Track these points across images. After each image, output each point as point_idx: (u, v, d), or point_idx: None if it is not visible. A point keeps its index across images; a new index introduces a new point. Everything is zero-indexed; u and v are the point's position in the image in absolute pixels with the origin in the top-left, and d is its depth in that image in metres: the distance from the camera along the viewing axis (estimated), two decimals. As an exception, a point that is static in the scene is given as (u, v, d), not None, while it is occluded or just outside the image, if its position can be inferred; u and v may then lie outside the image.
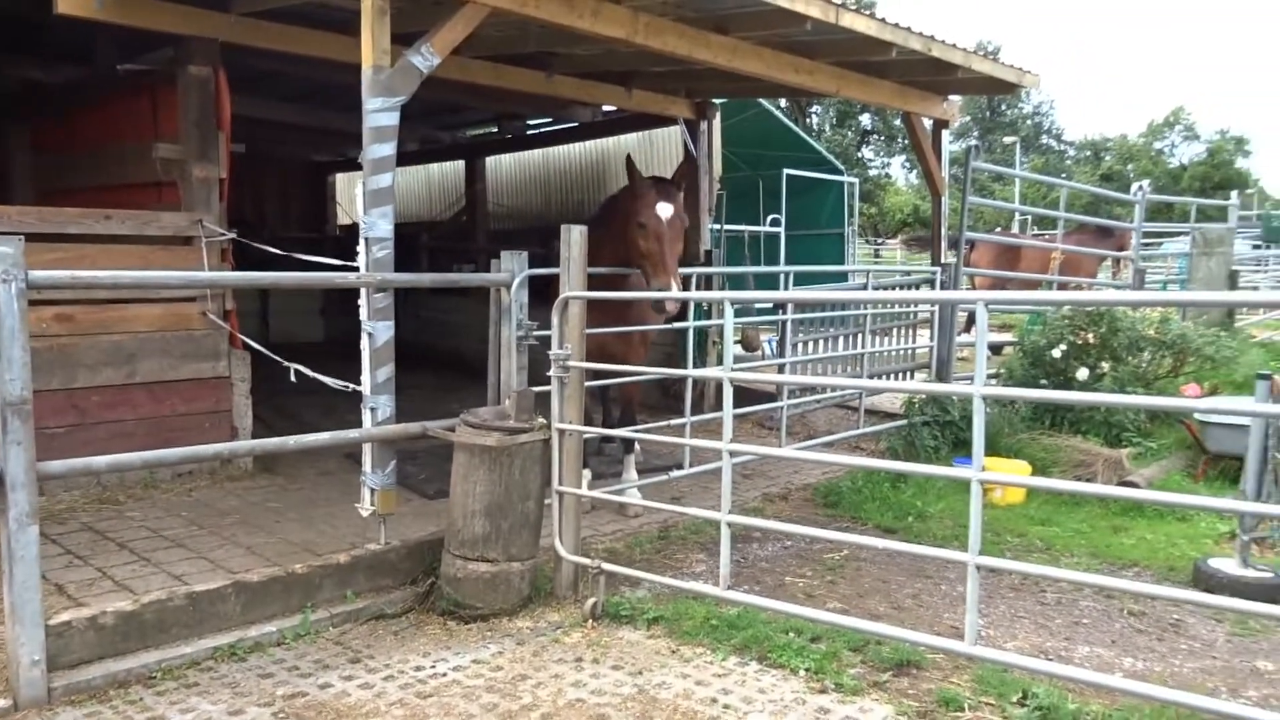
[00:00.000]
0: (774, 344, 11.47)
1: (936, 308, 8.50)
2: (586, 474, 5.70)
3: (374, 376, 4.71)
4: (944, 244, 9.11)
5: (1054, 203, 19.96)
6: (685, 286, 7.21)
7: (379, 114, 4.67)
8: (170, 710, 3.62)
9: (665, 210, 5.59)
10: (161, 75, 6.75)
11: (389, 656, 4.11)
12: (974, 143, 29.58)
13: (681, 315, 7.27)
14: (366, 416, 4.74)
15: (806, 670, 3.97)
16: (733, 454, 4.18)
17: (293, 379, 5.15)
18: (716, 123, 10.02)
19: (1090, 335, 8.15)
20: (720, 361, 9.33)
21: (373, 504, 4.75)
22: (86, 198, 6.92)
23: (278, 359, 5.43)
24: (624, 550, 5.52)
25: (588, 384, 5.10)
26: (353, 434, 4.64)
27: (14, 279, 3.57)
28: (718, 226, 11.82)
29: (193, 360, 6.58)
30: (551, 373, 4.68)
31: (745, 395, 9.36)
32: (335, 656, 4.10)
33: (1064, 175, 51.61)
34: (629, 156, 6.16)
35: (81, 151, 7.77)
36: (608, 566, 4.59)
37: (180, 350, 6.52)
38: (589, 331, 4.85)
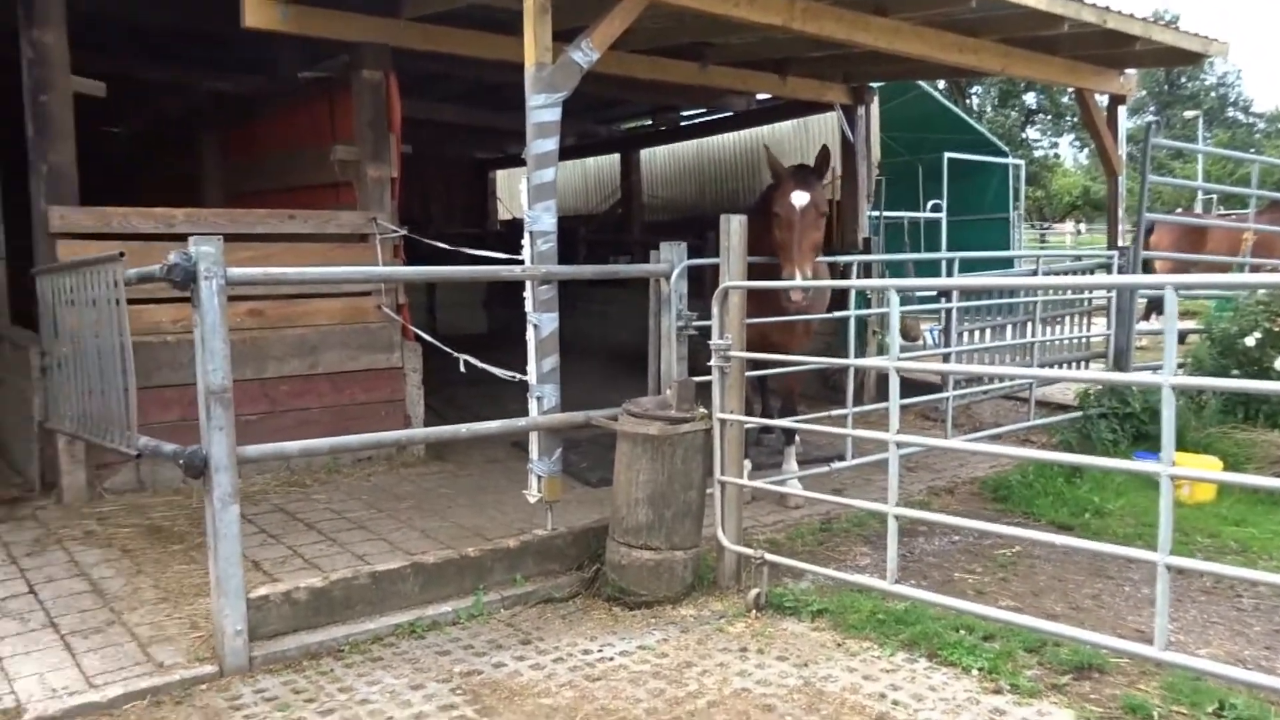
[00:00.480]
0: (936, 333, 11.13)
1: (1114, 294, 8.05)
2: (747, 464, 5.70)
3: (539, 366, 4.81)
4: (1120, 226, 8.61)
5: (1243, 179, 18.57)
6: (839, 275, 7.10)
7: (541, 110, 4.77)
8: (358, 682, 3.82)
9: (799, 199, 5.49)
10: (337, 81, 7.10)
11: (558, 639, 4.20)
12: (1152, 118, 27.83)
13: (841, 304, 7.15)
14: (533, 405, 4.84)
15: (980, 670, 3.84)
16: (899, 445, 4.06)
17: (462, 369, 5.30)
18: (874, 107, 9.79)
19: (1289, 321, 7.55)
20: (881, 351, 9.30)
21: (539, 491, 4.86)
22: (271, 200, 7.35)
23: (448, 349, 5.62)
24: (785, 541, 5.47)
25: (748, 374, 5.06)
26: (520, 422, 4.76)
27: (215, 276, 3.82)
28: (877, 213, 11.56)
29: (369, 351, 6.88)
30: (712, 362, 4.68)
31: (908, 386, 9.13)
32: (507, 637, 4.23)
33: (1253, 150, 47.92)
34: (766, 147, 6.06)
35: (266, 156, 8.26)
36: (771, 557, 4.56)
37: (358, 342, 6.84)
38: (750, 321, 4.82)
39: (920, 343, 11.21)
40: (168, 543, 5.23)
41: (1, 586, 4.65)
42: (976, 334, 7.81)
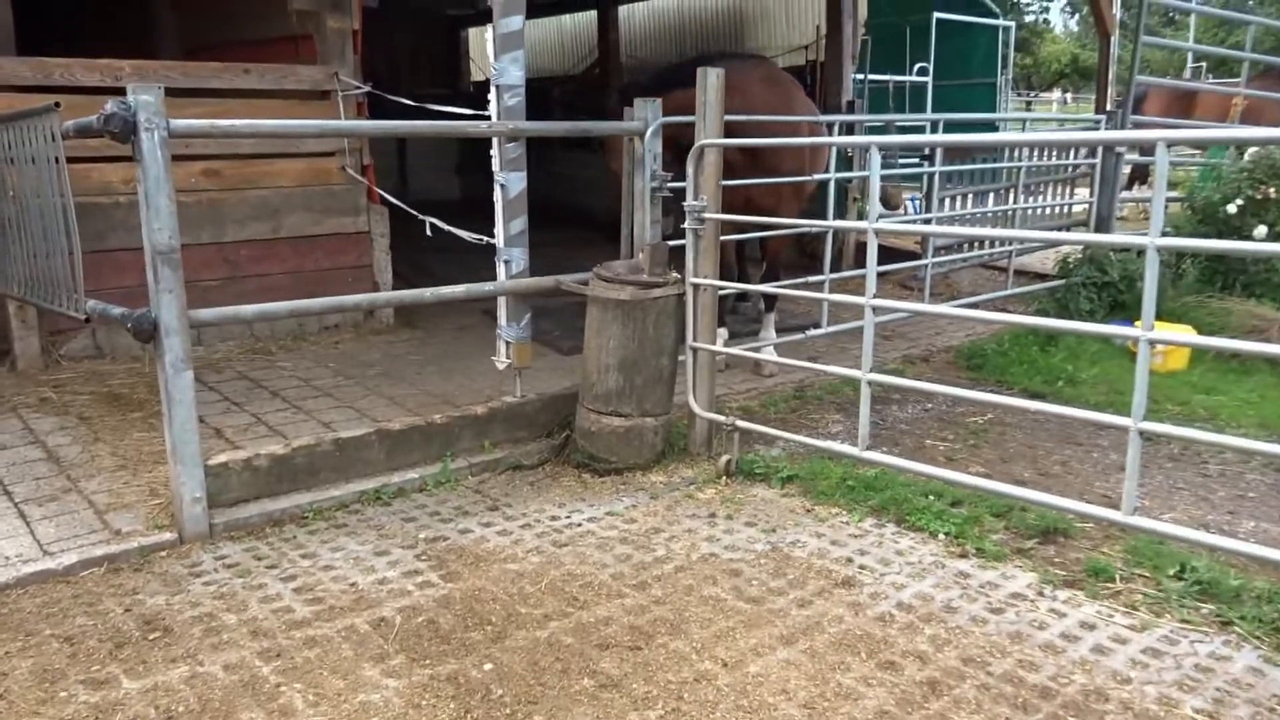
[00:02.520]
0: (917, 202, 10.92)
1: (1098, 160, 7.84)
2: (722, 332, 5.59)
3: (507, 229, 4.64)
4: (1110, 90, 8.33)
5: (1237, 45, 18.09)
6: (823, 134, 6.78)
7: (507, -48, 4.44)
8: (321, 548, 3.76)
9: None
10: (293, -75, 6.62)
11: (525, 506, 4.16)
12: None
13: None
14: (500, 269, 4.70)
15: (946, 534, 3.84)
16: (876, 311, 3.94)
17: (428, 233, 5.10)
18: (863, -38, 9.30)
19: (1272, 190, 7.38)
20: (861, 218, 9.02)
21: (508, 357, 4.76)
22: (227, 55, 6.95)
23: (414, 212, 5.40)
24: (758, 409, 5.43)
25: (726, 239, 4.89)
26: (487, 286, 4.61)
27: (156, 127, 3.58)
28: (861, 76, 11.16)
29: (334, 215, 6.68)
30: (686, 225, 4.51)
31: (886, 255, 8.83)
32: (474, 504, 4.18)
33: (1249, 11, 46.72)
34: None
35: (221, 8, 7.79)
36: (742, 424, 4.50)
37: (321, 205, 6.62)
38: (737, 183, 4.63)
39: (902, 211, 10.98)
40: (126, 410, 5.10)
41: (-45, 453, 4.52)
42: (958, 201, 7.61)
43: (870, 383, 3.97)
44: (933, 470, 3.90)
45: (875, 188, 3.94)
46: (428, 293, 4.46)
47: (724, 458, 4.47)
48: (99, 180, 5.82)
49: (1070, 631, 3.13)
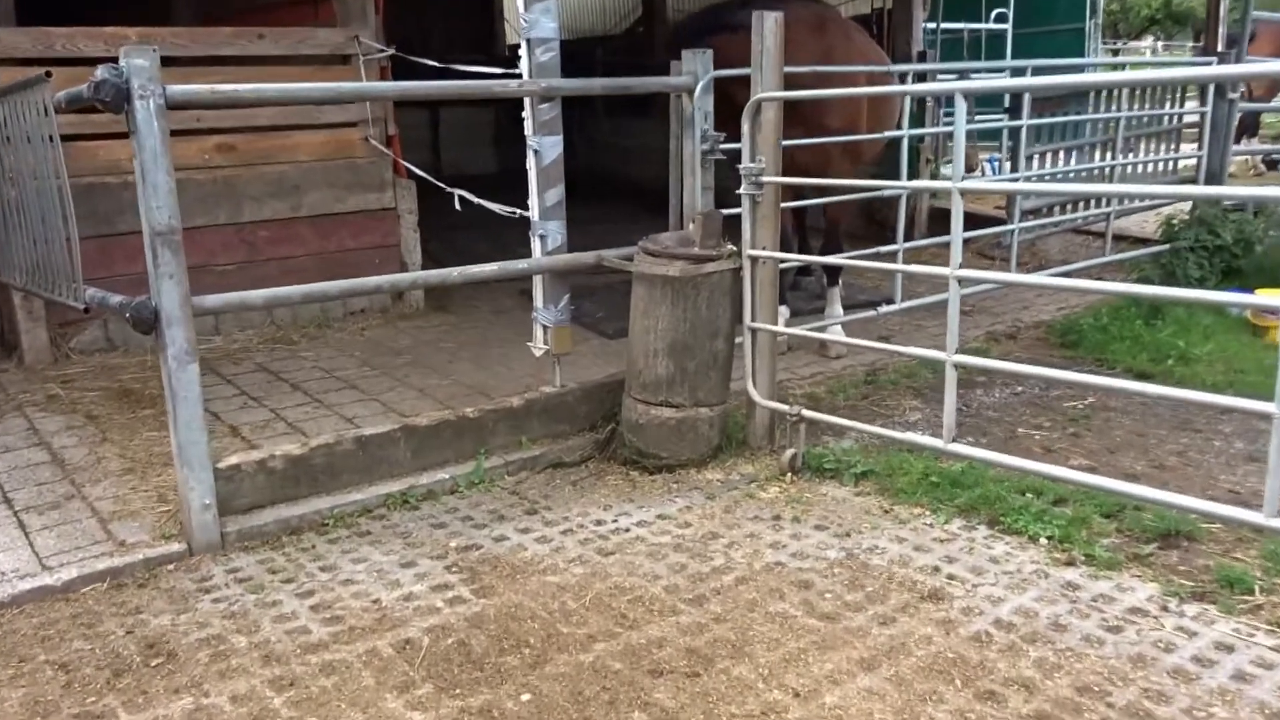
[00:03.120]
0: (995, 163, 10.53)
1: (1209, 109, 7.40)
2: (783, 311, 5.38)
3: (542, 200, 4.45)
4: (1222, 30, 7.87)
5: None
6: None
7: (537, -111, 4.22)
8: (342, 559, 3.61)
9: None
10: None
11: (567, 508, 3.99)
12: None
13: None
14: (536, 245, 4.52)
15: (1049, 538, 3.57)
16: (962, 282, 3.66)
17: (457, 206, 4.93)
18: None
19: None
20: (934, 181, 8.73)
21: (546, 343, 4.58)
22: (246, 20, 6.84)
23: (440, 185, 5.27)
24: (825, 396, 5.20)
25: (784, 206, 4.66)
26: (521, 264, 4.43)
27: (151, 94, 3.43)
28: (932, 25, 10.82)
29: (358, 191, 6.55)
30: (742, 190, 4.28)
31: (966, 220, 8.77)
32: (510, 507, 4.01)
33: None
34: None
35: (236, -30, 7.70)
36: (808, 414, 4.27)
37: (344, 180, 6.50)
38: (788, 144, 4.39)
39: (978, 174, 10.60)
40: (137, 407, 5.01)
41: (-46, 457, 4.45)
42: (1047, 158, 7.25)
43: (956, 365, 3.68)
44: (1030, 465, 3.63)
45: (960, 141, 3.66)
46: (454, 272, 4.29)
47: (788, 452, 4.25)
48: (106, 158, 5.73)
49: (1203, 654, 2.84)
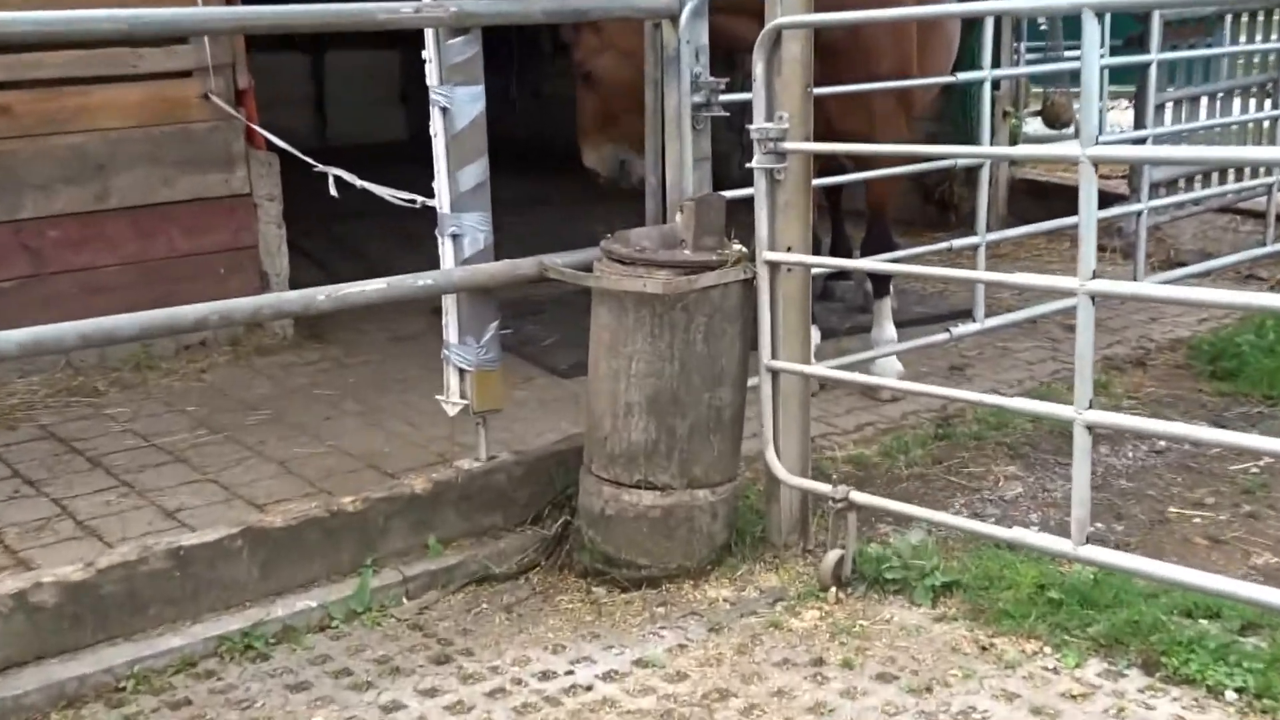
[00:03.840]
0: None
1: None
2: (814, 335, 5.06)
3: (454, 183, 4.08)
4: None
5: None
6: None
7: None
8: (142, 751, 3.11)
9: None
10: None
11: (497, 652, 3.63)
12: None
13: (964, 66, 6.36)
14: (446, 250, 4.16)
15: (1239, 691, 3.18)
16: (1095, 297, 3.26)
17: (333, 191, 4.63)
18: None
19: None
20: (1015, 140, 8.43)
21: (465, 395, 4.21)
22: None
23: (309, 160, 4.86)
24: (879, 460, 4.90)
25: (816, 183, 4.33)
26: (424, 279, 4.08)
27: None
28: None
29: (193, 170, 6.20)
30: (755, 163, 3.92)
31: (1051, 194, 8.59)
32: (410, 651, 3.65)
33: None
34: None
35: None
36: (860, 498, 3.88)
37: (174, 155, 6.14)
38: (824, 91, 4.17)
39: (1072, 131, 10.36)
40: None
41: None
42: (1183, 109, 6.96)
43: (1091, 427, 3.27)
44: (1196, 578, 3.30)
45: (1092, 85, 3.18)
46: (320, 294, 3.88)
47: (832, 555, 3.87)
48: None
49: None
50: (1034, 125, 10.01)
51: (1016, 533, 3.63)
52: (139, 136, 6.04)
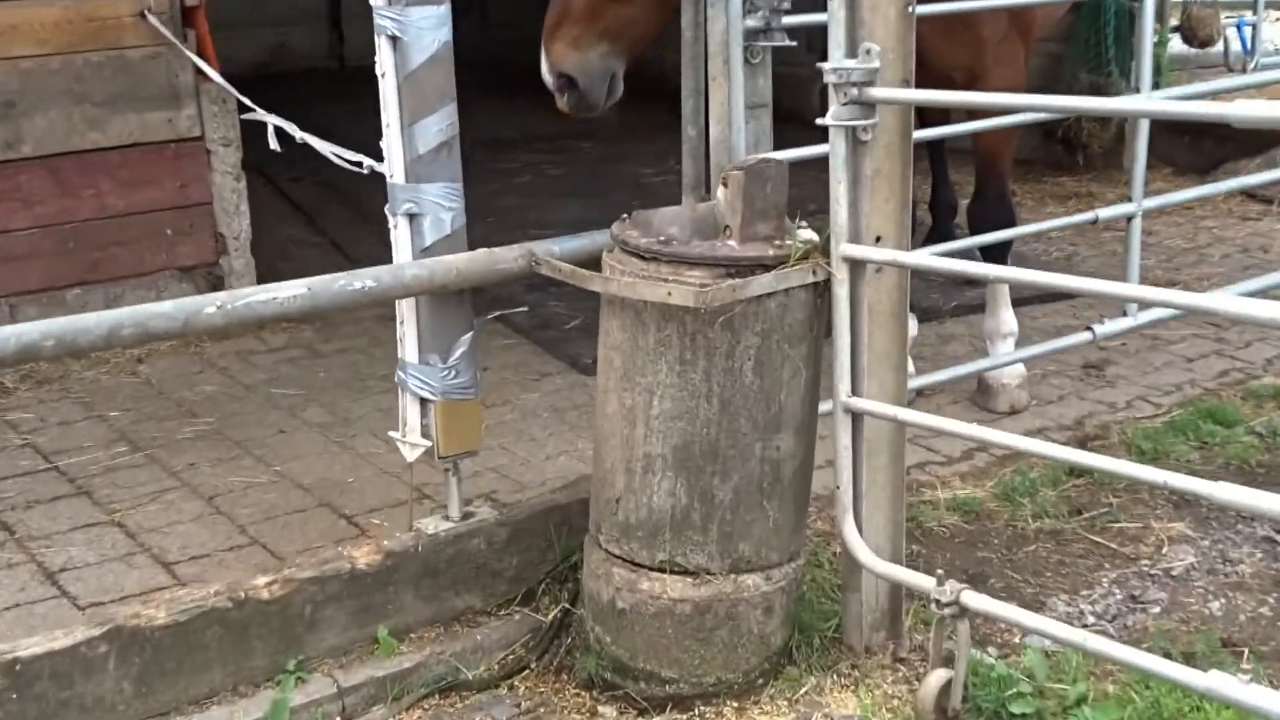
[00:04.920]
0: (1244, 33, 9.54)
1: None
2: (911, 325, 4.46)
3: (409, 141, 3.39)
4: None
5: None
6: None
7: None
8: None
9: None
10: None
11: None
12: None
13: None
14: (399, 235, 3.48)
15: None
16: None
17: (273, 144, 4.13)
18: None
19: None
20: (1160, 72, 7.61)
21: (425, 436, 3.56)
22: None
23: (247, 103, 4.46)
24: (996, 505, 4.21)
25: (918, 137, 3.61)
26: (361, 279, 3.36)
27: None
28: None
29: (128, 108, 5.80)
30: (830, 118, 3.13)
31: (1197, 132, 7.99)
32: None
33: None
34: None
35: None
36: (976, 601, 3.06)
37: (103, 89, 5.76)
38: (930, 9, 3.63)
39: (1219, 50, 9.53)
40: None
41: None
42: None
43: None
44: None
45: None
46: (212, 303, 3.16)
47: (935, 677, 3.12)
48: None
49: None
50: (1175, 44, 9.26)
51: (1214, 680, 2.69)
52: (57, 66, 5.68)
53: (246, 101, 4.53)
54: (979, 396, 4.95)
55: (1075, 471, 4.38)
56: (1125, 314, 4.68)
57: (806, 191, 3.68)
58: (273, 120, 4.17)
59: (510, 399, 4.87)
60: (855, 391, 3.25)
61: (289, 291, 3.15)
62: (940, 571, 3.18)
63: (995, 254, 4.97)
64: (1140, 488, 4.32)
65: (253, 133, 5.02)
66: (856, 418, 3.25)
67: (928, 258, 3.29)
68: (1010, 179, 5.34)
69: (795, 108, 5.04)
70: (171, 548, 3.95)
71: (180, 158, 5.89)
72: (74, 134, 5.67)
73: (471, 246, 3.59)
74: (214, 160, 5.94)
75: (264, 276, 5.98)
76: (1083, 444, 4.59)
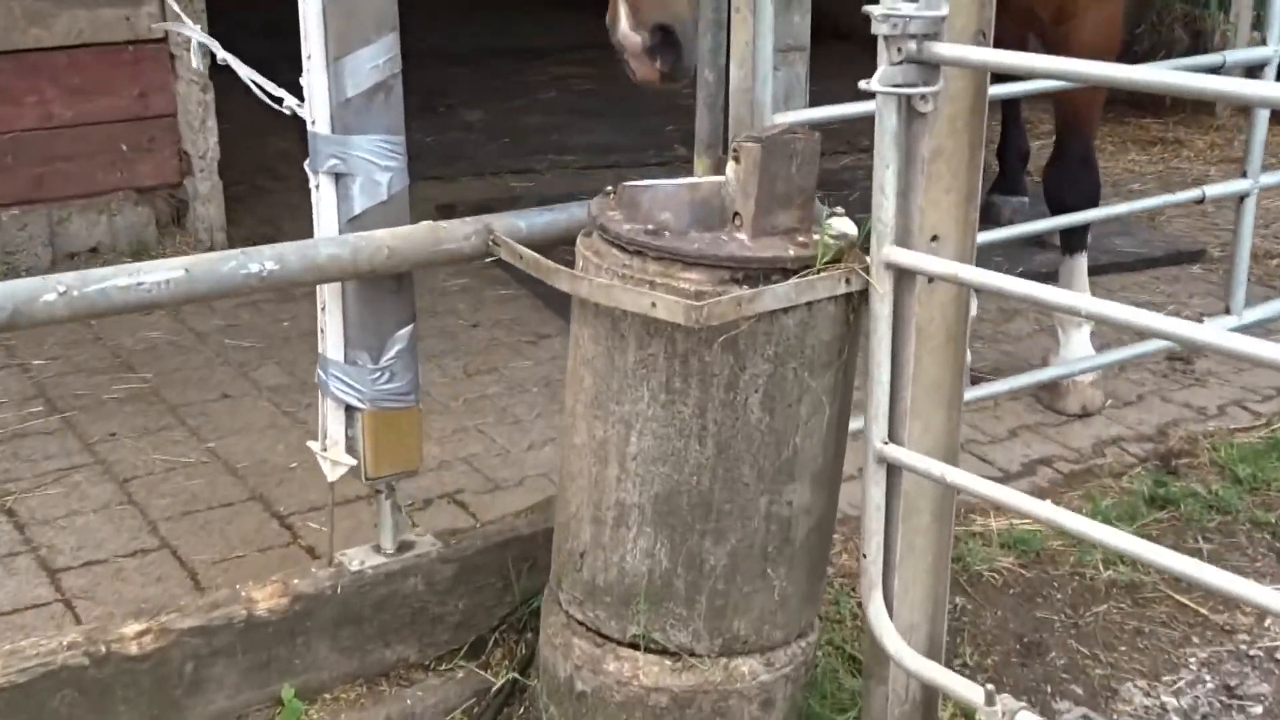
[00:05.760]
0: None
1: None
2: (971, 302, 3.69)
3: (336, 79, 2.71)
4: None
5: None
6: None
7: None
8: None
9: None
10: None
11: None
12: None
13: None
14: (323, 197, 2.82)
15: None
16: None
17: (194, 62, 4.36)
18: None
19: None
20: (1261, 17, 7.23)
21: (353, 451, 2.92)
22: None
23: (185, 19, 4.07)
24: (1061, 546, 3.48)
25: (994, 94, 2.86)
26: (259, 259, 2.64)
27: None
28: None
29: (76, 2, 5.31)
30: (878, 81, 2.40)
31: None
32: None
33: None
34: None
35: None
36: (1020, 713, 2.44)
37: None
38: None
39: None
40: None
41: None
42: None
43: None
44: None
45: None
46: (54, 288, 2.45)
47: None
48: None
49: None
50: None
51: None
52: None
53: (175, 7, 4.04)
54: (1045, 394, 4.34)
55: (1157, 501, 3.68)
56: (1229, 311, 3.94)
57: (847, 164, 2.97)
58: (197, 35, 3.64)
59: (497, 366, 4.29)
60: (893, 437, 2.50)
61: (159, 275, 2.44)
62: (991, 664, 2.54)
63: (1076, 232, 4.34)
64: (1235, 519, 3.65)
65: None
66: (893, 469, 2.53)
67: (996, 276, 2.54)
68: (1094, 138, 4.63)
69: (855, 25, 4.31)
70: (64, 547, 3.43)
71: (139, 62, 5.43)
72: (13, 30, 5.19)
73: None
74: (177, 65, 5.46)
75: (235, 200, 5.52)
76: (1166, 462, 3.94)
